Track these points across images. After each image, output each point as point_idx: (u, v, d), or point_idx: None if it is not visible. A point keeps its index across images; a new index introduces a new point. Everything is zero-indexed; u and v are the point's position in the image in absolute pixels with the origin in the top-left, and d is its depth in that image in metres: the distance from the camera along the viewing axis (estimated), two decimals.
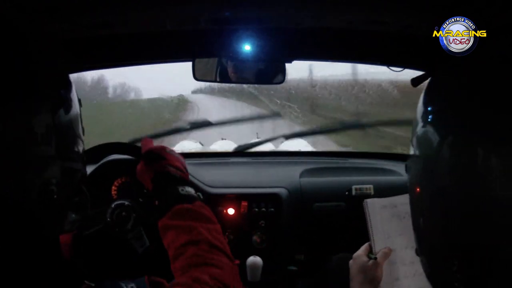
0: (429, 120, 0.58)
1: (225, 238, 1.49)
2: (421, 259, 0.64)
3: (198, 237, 0.82)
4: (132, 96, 15.91)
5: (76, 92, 0.74)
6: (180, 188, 0.91)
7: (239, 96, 10.88)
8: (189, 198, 0.90)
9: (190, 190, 0.92)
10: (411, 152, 0.62)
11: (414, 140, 0.61)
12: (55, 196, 0.62)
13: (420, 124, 0.59)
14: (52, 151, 0.62)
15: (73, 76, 0.80)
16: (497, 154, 0.47)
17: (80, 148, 0.73)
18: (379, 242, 0.98)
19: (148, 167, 0.99)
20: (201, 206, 0.89)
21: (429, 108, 0.59)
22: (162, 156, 1.00)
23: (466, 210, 0.49)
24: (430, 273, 0.62)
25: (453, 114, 0.54)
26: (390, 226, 0.99)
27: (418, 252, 0.65)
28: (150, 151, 1.02)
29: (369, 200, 1.02)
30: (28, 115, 0.59)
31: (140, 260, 1.29)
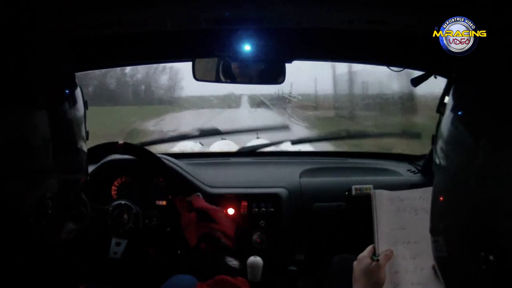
0: (454, 127, 0.57)
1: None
2: (435, 240, 0.62)
3: None
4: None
5: (82, 93, 0.72)
6: (228, 259, 0.95)
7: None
8: (233, 272, 0.92)
9: (236, 263, 0.95)
10: (436, 161, 0.61)
11: (439, 147, 0.60)
12: (49, 211, 0.60)
13: (446, 131, 0.59)
14: (48, 164, 0.60)
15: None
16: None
17: (82, 155, 0.71)
18: (382, 235, 0.98)
19: (199, 224, 1.02)
20: (243, 283, 0.90)
21: (457, 114, 0.59)
22: (214, 219, 1.03)
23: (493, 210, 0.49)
24: (443, 257, 0.61)
25: (477, 118, 0.53)
26: (394, 219, 0.99)
27: (433, 231, 0.63)
28: (204, 210, 1.05)
29: (377, 191, 1.02)
30: (21, 126, 0.56)
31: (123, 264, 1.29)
